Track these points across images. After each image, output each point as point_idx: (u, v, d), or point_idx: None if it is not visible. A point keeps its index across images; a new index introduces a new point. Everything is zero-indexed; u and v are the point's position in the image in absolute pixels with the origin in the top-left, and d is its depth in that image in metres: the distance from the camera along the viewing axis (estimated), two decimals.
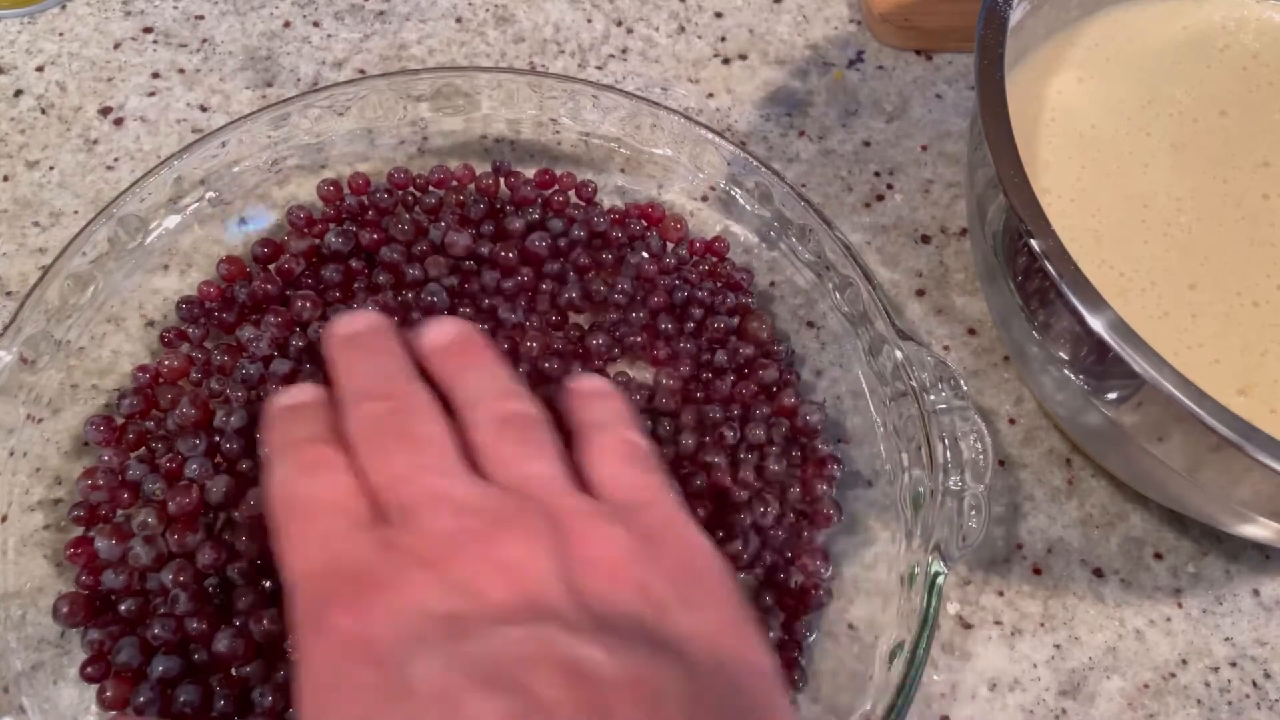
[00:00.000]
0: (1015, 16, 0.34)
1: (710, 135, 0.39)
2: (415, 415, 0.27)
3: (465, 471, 0.26)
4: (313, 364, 0.35)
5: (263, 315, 0.36)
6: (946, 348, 0.41)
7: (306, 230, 0.38)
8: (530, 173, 0.40)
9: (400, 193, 0.39)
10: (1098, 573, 0.37)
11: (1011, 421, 0.39)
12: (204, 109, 0.43)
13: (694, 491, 0.34)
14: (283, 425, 0.29)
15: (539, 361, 0.36)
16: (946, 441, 0.34)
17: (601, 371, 0.36)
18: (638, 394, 0.36)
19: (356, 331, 0.30)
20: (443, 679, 0.22)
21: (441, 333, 0.30)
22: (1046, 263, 0.28)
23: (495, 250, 0.38)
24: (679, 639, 0.24)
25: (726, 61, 0.47)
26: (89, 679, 0.31)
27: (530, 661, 0.22)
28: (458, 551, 0.24)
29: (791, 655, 0.33)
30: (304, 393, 0.30)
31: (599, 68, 0.46)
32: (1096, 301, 0.27)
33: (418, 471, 0.26)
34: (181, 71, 0.44)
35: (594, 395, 0.31)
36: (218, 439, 0.33)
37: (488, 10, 0.47)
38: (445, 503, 0.25)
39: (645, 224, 0.40)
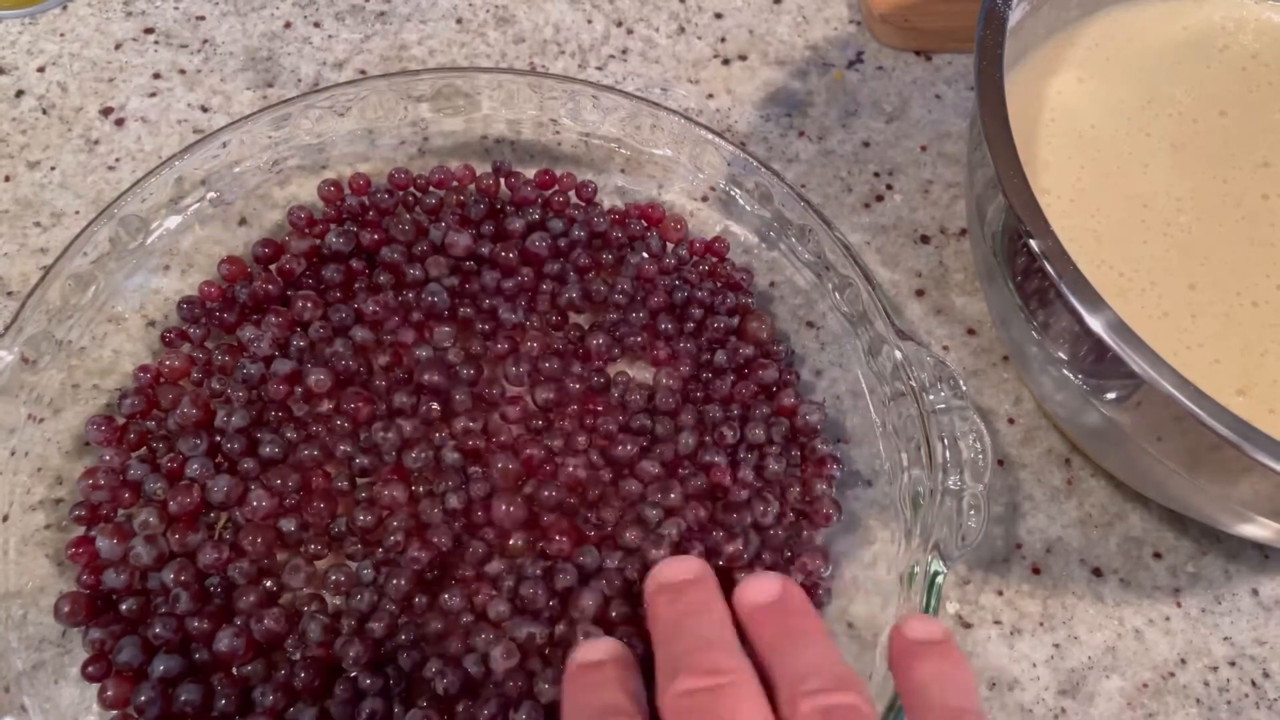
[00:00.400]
0: (1015, 16, 0.34)
1: (710, 136, 0.39)
2: (740, 703, 0.25)
3: None
4: (313, 364, 0.35)
5: (264, 315, 0.36)
6: (946, 348, 0.41)
7: (307, 230, 0.38)
8: (530, 173, 0.40)
9: (401, 193, 0.39)
10: (1097, 572, 0.37)
11: (1011, 421, 0.39)
12: (205, 109, 0.44)
13: (694, 491, 0.34)
14: (584, 688, 0.27)
15: (539, 361, 0.36)
16: (946, 441, 0.34)
17: (601, 371, 0.36)
18: (637, 394, 0.36)
19: (679, 581, 0.28)
20: None
21: (766, 590, 0.28)
22: (1046, 263, 0.28)
23: (495, 250, 0.38)
24: None
25: (726, 62, 0.47)
26: (90, 678, 0.31)
27: None
28: None
29: None
30: (606, 648, 0.28)
31: (599, 68, 0.46)
32: (1096, 301, 0.28)
33: None
34: (182, 72, 0.44)
35: (932, 652, 0.27)
36: (219, 439, 0.34)
37: (488, 11, 0.47)
38: None
39: (645, 224, 0.40)
